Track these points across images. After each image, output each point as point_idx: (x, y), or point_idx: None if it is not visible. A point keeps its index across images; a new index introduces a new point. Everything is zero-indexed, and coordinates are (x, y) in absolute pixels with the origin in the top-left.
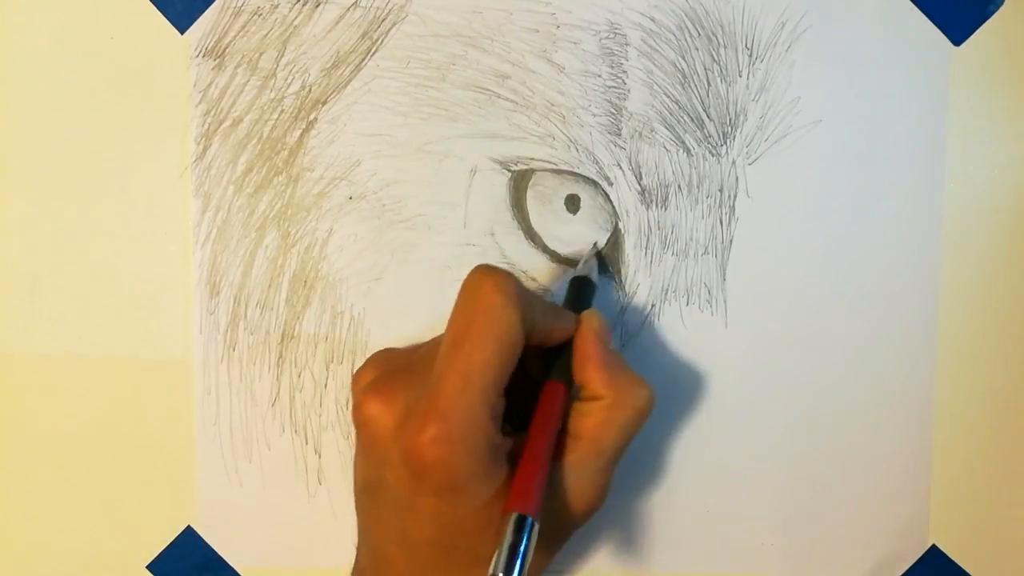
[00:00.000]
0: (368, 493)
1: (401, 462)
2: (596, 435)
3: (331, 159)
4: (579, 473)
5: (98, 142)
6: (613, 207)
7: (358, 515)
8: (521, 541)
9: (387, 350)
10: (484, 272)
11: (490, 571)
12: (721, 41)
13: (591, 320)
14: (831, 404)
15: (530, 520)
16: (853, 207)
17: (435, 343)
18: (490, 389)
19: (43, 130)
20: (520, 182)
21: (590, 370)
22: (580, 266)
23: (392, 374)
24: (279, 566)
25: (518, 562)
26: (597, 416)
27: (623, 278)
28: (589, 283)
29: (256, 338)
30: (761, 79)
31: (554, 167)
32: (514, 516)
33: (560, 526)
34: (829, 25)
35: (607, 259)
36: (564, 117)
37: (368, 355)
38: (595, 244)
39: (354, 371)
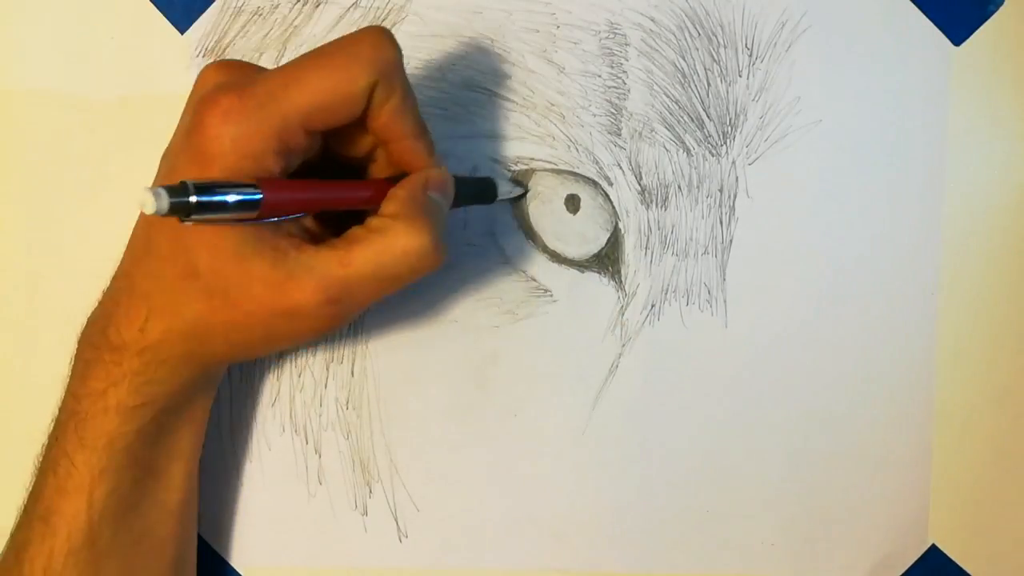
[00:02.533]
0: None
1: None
2: (348, 258)
3: None
4: (312, 265)
5: (98, 142)
6: (613, 207)
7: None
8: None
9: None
10: (388, 32)
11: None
12: (721, 41)
13: (433, 171)
14: (831, 404)
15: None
16: (853, 207)
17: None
18: (294, 114)
19: (43, 130)
20: (520, 182)
21: (396, 200)
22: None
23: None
24: (279, 566)
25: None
26: (363, 240)
27: (623, 278)
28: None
29: None
30: (761, 79)
31: (554, 167)
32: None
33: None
34: (829, 25)
35: (606, 259)
36: (564, 117)
37: (368, 355)
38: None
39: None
